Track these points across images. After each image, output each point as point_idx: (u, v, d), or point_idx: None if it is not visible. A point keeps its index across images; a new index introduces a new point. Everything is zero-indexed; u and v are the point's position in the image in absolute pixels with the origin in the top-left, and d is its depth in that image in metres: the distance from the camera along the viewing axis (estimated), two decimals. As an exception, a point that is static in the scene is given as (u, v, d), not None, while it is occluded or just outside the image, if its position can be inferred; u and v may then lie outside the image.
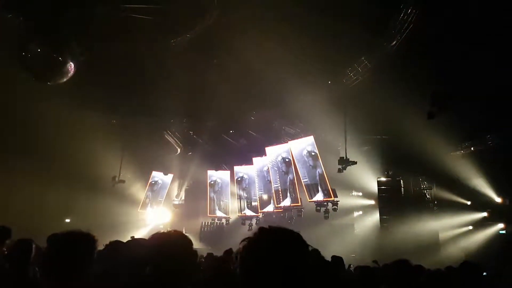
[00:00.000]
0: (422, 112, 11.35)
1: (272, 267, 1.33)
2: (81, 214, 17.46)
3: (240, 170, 18.55)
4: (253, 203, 17.77)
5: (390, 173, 15.46)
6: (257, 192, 17.55)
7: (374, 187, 15.88)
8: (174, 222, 20.08)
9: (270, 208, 16.81)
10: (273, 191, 16.41)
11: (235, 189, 18.50)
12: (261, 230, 1.45)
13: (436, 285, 3.46)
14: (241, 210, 18.12)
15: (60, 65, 10.70)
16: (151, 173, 20.17)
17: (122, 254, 2.71)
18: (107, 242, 2.92)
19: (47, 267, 2.15)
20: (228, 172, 19.13)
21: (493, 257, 11.54)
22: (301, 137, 15.73)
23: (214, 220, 19.16)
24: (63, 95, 12.93)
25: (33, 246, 3.18)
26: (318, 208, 14.33)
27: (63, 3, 10.54)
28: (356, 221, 17.59)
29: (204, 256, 7.34)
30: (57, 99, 13.28)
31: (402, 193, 15.24)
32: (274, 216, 17.00)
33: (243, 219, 17.84)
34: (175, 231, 2.11)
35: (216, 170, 19.42)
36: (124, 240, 3.32)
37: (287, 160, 15.96)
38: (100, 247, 2.49)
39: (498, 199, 13.88)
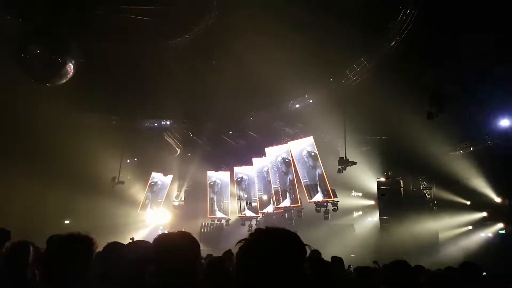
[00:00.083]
0: (421, 112, 11.37)
1: (268, 267, 1.33)
2: (81, 215, 17.43)
3: (240, 170, 18.55)
4: (253, 204, 17.77)
5: (389, 173, 15.47)
6: (257, 193, 17.54)
7: (373, 188, 15.89)
8: (174, 223, 20.06)
9: (270, 208, 16.80)
10: (272, 191, 16.40)
11: (235, 189, 18.49)
12: (258, 231, 1.45)
13: (436, 285, 3.46)
14: (241, 210, 18.11)
15: (60, 67, 10.69)
16: (150, 174, 20.16)
17: (120, 255, 2.71)
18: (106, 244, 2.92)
19: (47, 268, 2.16)
20: (228, 173, 19.13)
21: (492, 256, 11.55)
22: (300, 138, 15.73)
23: (214, 221, 19.15)
24: (63, 96, 12.94)
25: (31, 247, 3.18)
26: (318, 208, 14.33)
27: (62, 4, 10.54)
28: (356, 221, 17.59)
29: (204, 257, 7.33)
30: (56, 100, 13.28)
31: (402, 193, 15.25)
32: (274, 216, 17.00)
33: (243, 219, 17.83)
34: (183, 232, 2.10)
35: (216, 171, 19.41)
36: (124, 241, 3.32)
37: (286, 160, 15.95)
38: (100, 248, 2.49)
39: (498, 199, 13.88)
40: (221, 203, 18.98)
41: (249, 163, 18.02)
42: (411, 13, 10.06)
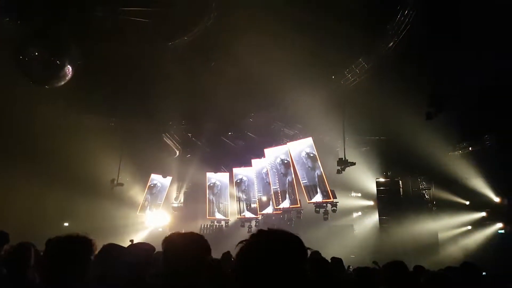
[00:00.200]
0: (420, 112, 11.39)
1: (268, 268, 1.33)
2: (80, 217, 17.39)
3: (239, 172, 18.54)
4: (252, 205, 17.76)
5: (388, 173, 15.48)
6: (256, 194, 17.54)
7: (373, 188, 15.90)
8: (173, 225, 20.03)
9: (269, 210, 16.79)
10: (272, 192, 16.40)
11: (234, 191, 18.48)
12: (259, 232, 1.45)
13: (437, 285, 3.46)
14: (240, 212, 18.10)
15: (58, 69, 10.68)
16: (149, 176, 20.13)
17: (116, 257, 2.71)
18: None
19: (46, 270, 2.15)
20: (227, 174, 19.12)
21: (492, 256, 11.57)
22: (299, 139, 15.74)
23: (214, 222, 19.13)
24: (62, 97, 12.91)
25: (33, 249, 3.18)
26: (317, 209, 14.33)
27: (61, 6, 10.53)
28: (356, 222, 17.60)
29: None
30: (55, 101, 13.26)
31: (401, 194, 15.25)
32: (273, 217, 16.99)
33: (243, 221, 17.82)
34: (192, 232, 2.09)
35: (215, 172, 19.40)
36: (123, 243, 3.31)
37: (285, 162, 15.96)
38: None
39: (497, 199, 13.90)
40: (220, 204, 18.97)
41: (248, 164, 18.02)
42: (409, 13, 10.07)
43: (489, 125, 13.01)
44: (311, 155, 14.67)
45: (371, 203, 16.96)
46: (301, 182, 14.90)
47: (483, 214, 14.25)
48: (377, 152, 15.52)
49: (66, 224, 17.72)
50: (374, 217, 16.18)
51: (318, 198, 14.23)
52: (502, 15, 8.82)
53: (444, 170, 13.77)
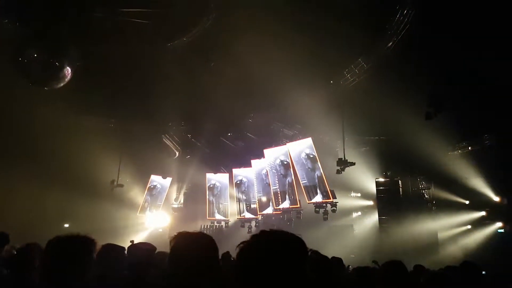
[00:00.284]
0: (419, 112, 11.40)
1: (267, 268, 1.33)
2: (80, 218, 17.37)
3: (239, 173, 18.54)
4: (252, 206, 17.75)
5: (388, 173, 15.49)
6: (256, 195, 17.53)
7: (372, 188, 15.91)
8: (173, 226, 20.02)
9: (269, 210, 16.79)
10: (272, 193, 16.40)
11: (234, 192, 18.48)
12: (260, 232, 1.46)
13: (437, 284, 3.46)
14: (240, 212, 18.10)
15: (57, 70, 10.67)
16: (149, 177, 20.12)
17: (116, 257, 2.71)
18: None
19: (47, 270, 2.15)
20: (227, 175, 19.12)
21: (492, 256, 11.58)
22: (299, 139, 15.74)
23: (214, 223, 19.13)
24: (61, 98, 12.90)
25: (39, 251, 3.18)
26: (317, 209, 14.33)
27: (60, 7, 10.53)
28: (355, 222, 17.61)
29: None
30: (55, 102, 13.25)
31: (401, 194, 15.26)
32: (273, 218, 16.99)
33: (243, 221, 17.82)
34: (201, 232, 2.07)
35: (215, 173, 19.40)
36: (124, 244, 3.32)
37: (285, 162, 15.96)
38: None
39: (496, 198, 13.91)
40: (220, 205, 18.97)
41: (248, 165, 18.02)
42: (408, 13, 10.08)
43: (489, 125, 13.03)
44: (311, 156, 14.66)
45: (371, 203, 16.97)
46: (300, 182, 14.90)
47: (483, 213, 14.27)
48: (376, 152, 15.52)
49: (66, 225, 17.72)
50: (374, 217, 16.19)
51: (318, 198, 14.23)
52: (502, 15, 8.83)
53: (444, 170, 13.78)
